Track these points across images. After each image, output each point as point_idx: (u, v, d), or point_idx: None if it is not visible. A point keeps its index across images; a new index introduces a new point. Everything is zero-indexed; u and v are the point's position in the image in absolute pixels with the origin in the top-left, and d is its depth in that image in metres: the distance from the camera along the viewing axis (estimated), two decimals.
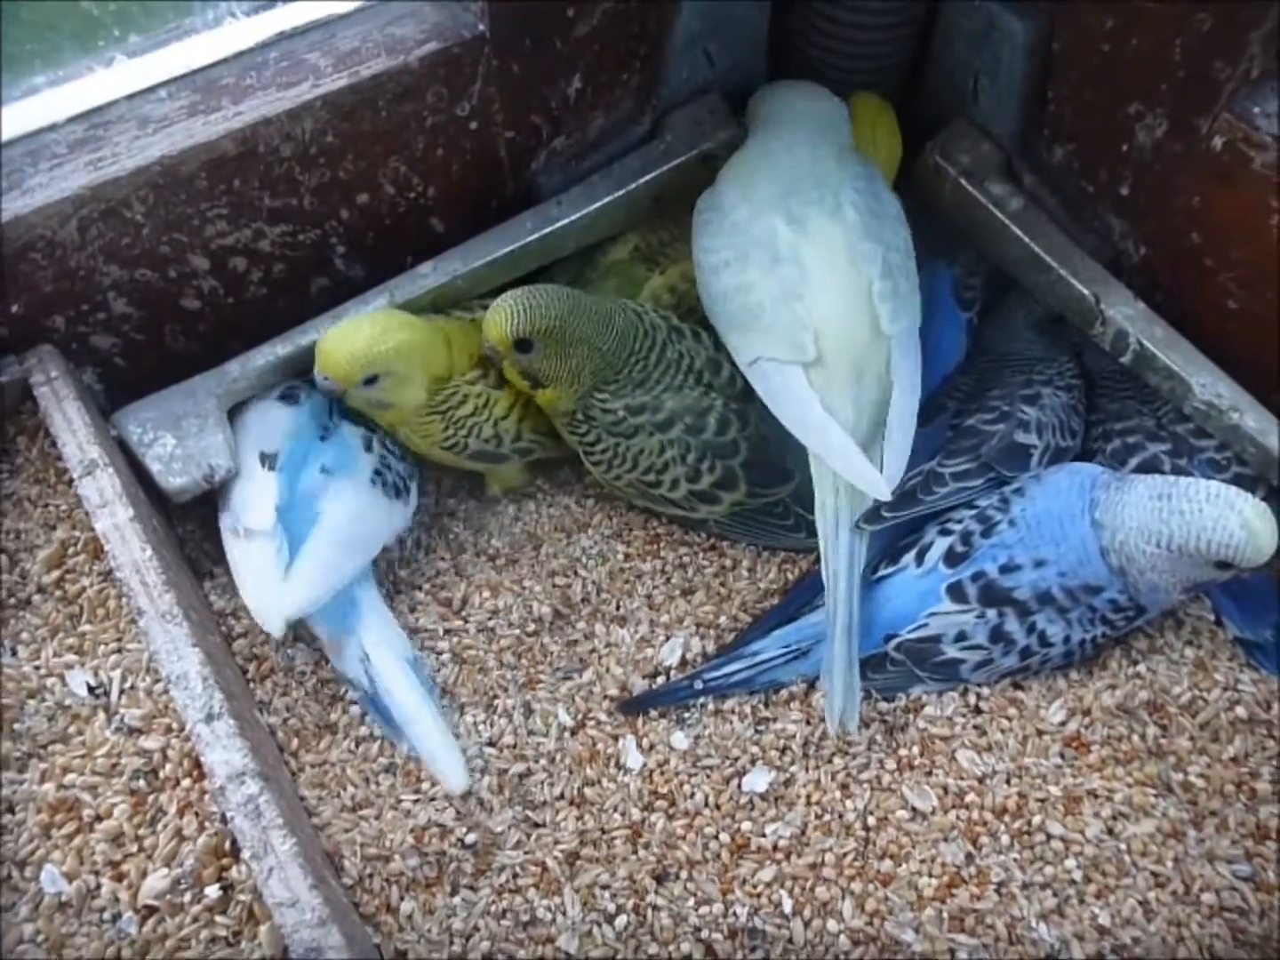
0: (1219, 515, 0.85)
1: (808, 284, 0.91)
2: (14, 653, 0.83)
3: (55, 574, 0.86)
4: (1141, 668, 0.94)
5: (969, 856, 0.85)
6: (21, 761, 0.78)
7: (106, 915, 0.73)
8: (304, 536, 0.90)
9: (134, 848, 0.76)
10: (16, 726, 0.79)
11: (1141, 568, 0.88)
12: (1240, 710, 0.91)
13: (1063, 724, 0.91)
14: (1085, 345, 1.09)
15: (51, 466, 0.89)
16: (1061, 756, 0.90)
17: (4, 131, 0.83)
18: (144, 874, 0.74)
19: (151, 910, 0.73)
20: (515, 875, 0.83)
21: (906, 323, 0.94)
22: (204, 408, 0.93)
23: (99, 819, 0.77)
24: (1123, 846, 0.86)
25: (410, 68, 0.92)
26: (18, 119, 0.83)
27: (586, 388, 0.96)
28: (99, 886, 0.74)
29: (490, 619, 0.96)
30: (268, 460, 0.92)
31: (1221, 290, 1.01)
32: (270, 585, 0.87)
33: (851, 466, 0.90)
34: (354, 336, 0.92)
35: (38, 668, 0.82)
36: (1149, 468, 0.99)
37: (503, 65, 0.97)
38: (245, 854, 0.70)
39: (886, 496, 0.90)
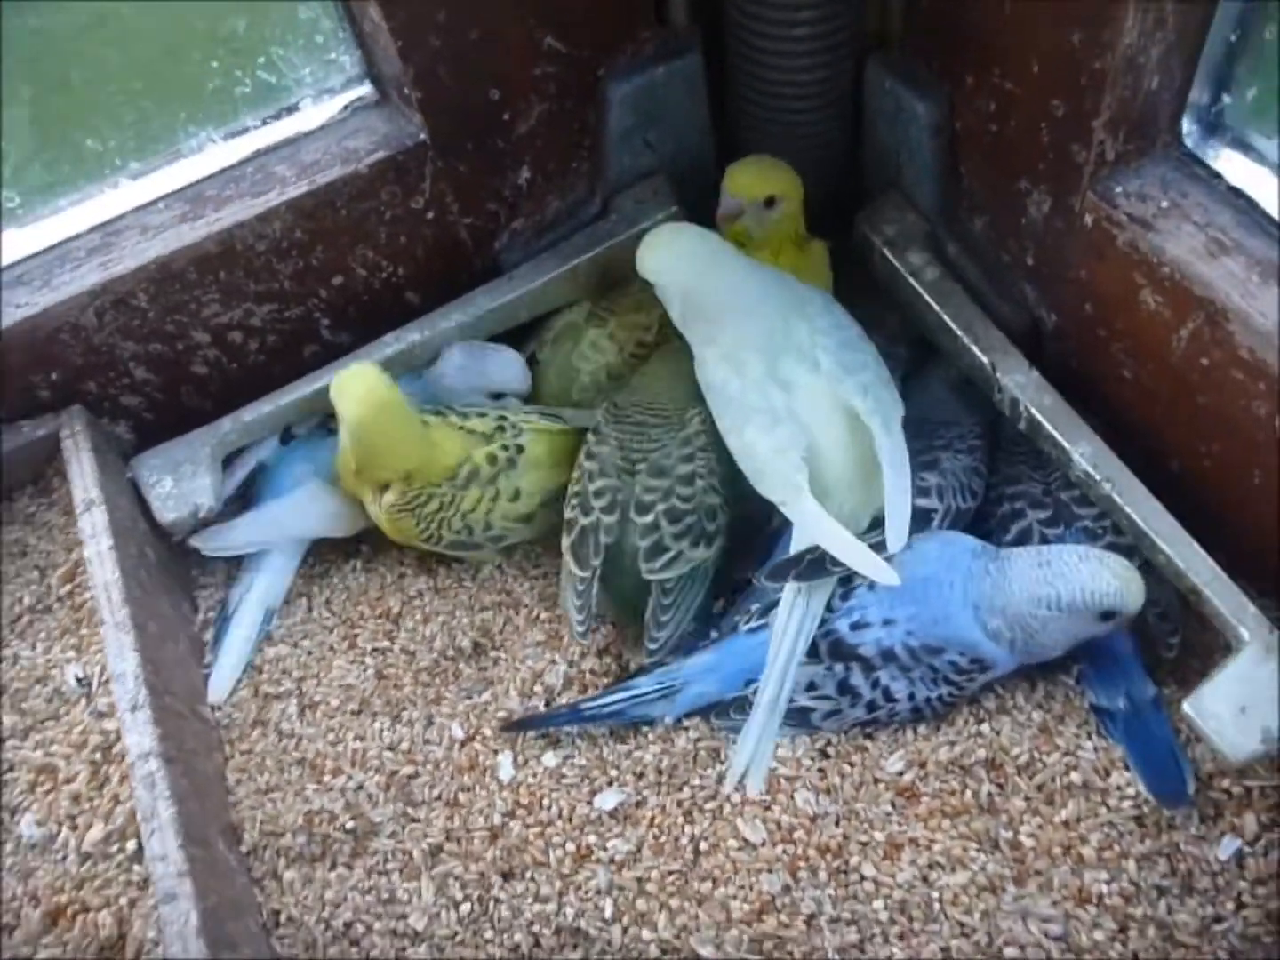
0: (1093, 571, 0.91)
1: (805, 434, 1.00)
2: (34, 647, 1.07)
3: (69, 587, 1.09)
4: (985, 727, 0.97)
5: (786, 888, 0.93)
6: (23, 732, 1.02)
7: (59, 856, 0.95)
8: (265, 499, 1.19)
9: (86, 805, 0.96)
10: (23, 705, 1.03)
11: (1033, 630, 0.93)
12: (1075, 775, 0.93)
13: (900, 774, 0.97)
14: None
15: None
16: (892, 804, 0.95)
17: (38, 242, 1.07)
18: (89, 826, 0.95)
19: (89, 855, 0.94)
20: (385, 860, 0.98)
21: (894, 424, 1.01)
22: (198, 455, 1.14)
23: (67, 781, 0.98)
24: (934, 894, 0.91)
25: (360, 174, 1.09)
26: (47, 233, 1.07)
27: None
28: (59, 833, 0.96)
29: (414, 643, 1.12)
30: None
31: (1115, 360, 1.03)
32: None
33: (862, 561, 0.96)
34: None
35: (47, 660, 1.05)
36: (1026, 535, 1.02)
37: (448, 166, 1.13)
38: (138, 816, 0.89)
39: (895, 582, 0.94)
